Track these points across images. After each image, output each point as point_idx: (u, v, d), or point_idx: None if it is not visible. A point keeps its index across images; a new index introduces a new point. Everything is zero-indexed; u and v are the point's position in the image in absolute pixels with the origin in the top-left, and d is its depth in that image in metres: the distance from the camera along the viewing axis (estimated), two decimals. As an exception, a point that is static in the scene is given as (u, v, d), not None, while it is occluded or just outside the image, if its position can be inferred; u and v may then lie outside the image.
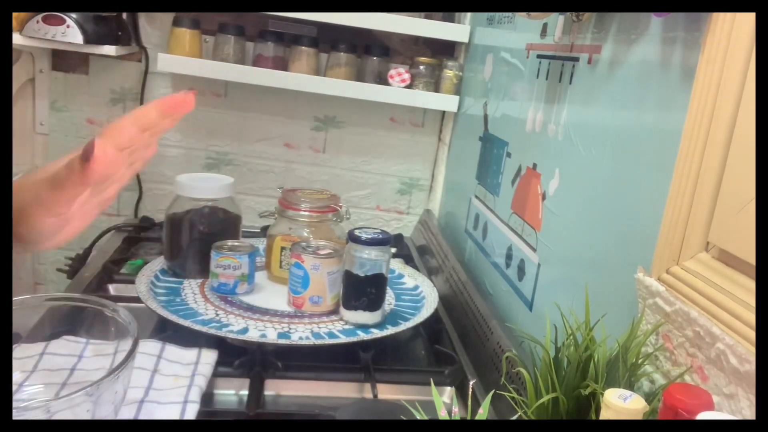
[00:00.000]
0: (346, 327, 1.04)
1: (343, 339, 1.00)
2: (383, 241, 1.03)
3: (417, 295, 1.20)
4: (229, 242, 1.13)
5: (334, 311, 1.08)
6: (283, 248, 1.18)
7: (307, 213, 1.19)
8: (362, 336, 1.01)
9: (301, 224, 1.20)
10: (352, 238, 1.03)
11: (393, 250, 1.44)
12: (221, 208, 1.18)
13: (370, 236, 1.03)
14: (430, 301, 1.15)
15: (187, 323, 0.97)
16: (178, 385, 0.86)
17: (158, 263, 1.19)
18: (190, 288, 1.13)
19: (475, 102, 1.44)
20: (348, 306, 1.05)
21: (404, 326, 1.05)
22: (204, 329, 0.96)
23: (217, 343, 0.97)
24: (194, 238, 1.16)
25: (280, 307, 1.09)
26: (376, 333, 1.02)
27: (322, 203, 1.20)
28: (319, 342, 0.98)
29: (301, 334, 1.00)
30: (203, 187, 1.17)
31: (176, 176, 1.19)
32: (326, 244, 1.11)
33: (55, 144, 1.62)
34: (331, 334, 1.01)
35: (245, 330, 0.99)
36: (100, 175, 0.51)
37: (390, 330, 1.04)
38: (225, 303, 1.08)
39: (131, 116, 0.54)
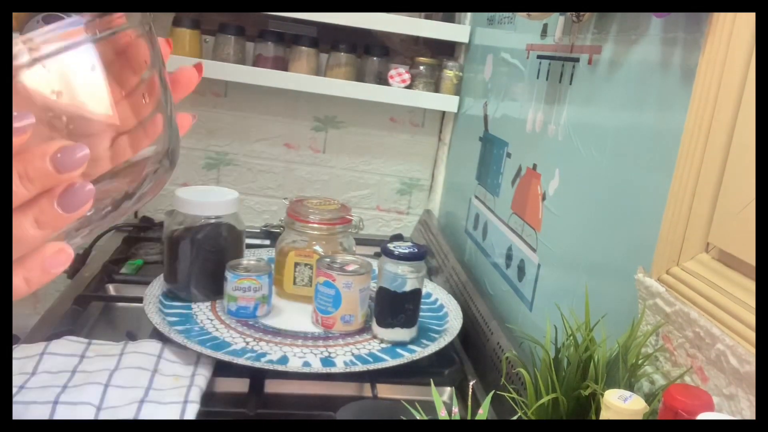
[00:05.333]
0: (384, 346, 1.01)
1: (390, 362, 0.95)
2: (419, 255, 1.00)
3: (433, 303, 1.17)
4: (244, 261, 1.07)
5: (365, 329, 1.06)
6: (297, 264, 1.14)
7: (322, 226, 1.14)
8: (408, 356, 0.97)
9: (314, 237, 1.15)
10: (388, 253, 0.99)
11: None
12: (225, 224, 1.09)
13: (405, 251, 1.00)
14: (452, 309, 1.13)
15: (226, 357, 0.91)
16: (178, 385, 0.86)
17: (157, 285, 1.11)
18: (203, 313, 1.06)
19: (475, 102, 1.44)
20: (384, 324, 1.02)
21: (444, 340, 1.02)
22: (246, 362, 0.91)
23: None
24: (199, 259, 1.08)
25: (307, 329, 1.04)
26: (421, 351, 0.99)
27: (334, 214, 1.16)
28: (372, 367, 0.93)
29: (345, 359, 0.96)
30: (208, 203, 1.08)
31: (175, 190, 1.09)
32: (353, 259, 1.07)
33: (55, 144, 1.61)
34: (374, 356, 0.98)
35: (285, 359, 0.94)
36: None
37: (432, 346, 1.00)
38: (248, 328, 1.02)
39: None
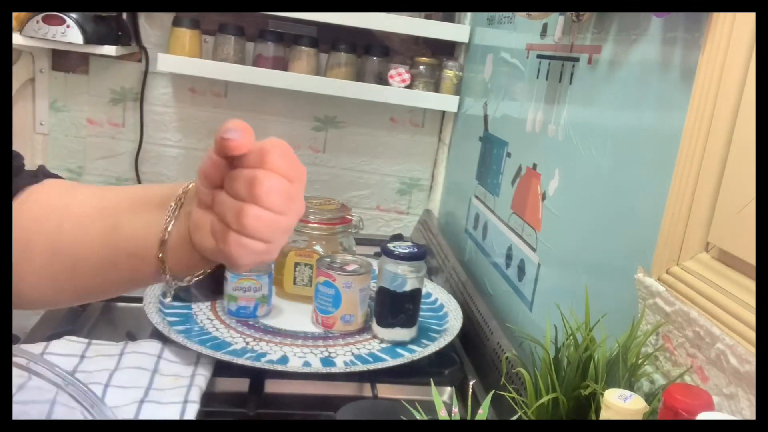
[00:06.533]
0: (384, 346, 1.02)
1: (390, 362, 0.95)
2: (419, 255, 1.00)
3: (433, 303, 1.17)
4: None
5: (365, 329, 1.06)
6: (297, 264, 1.14)
7: (322, 226, 1.14)
8: (408, 356, 0.97)
9: (314, 237, 1.15)
10: (388, 253, 0.99)
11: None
12: None
13: (406, 251, 1.00)
14: (452, 309, 1.13)
15: (226, 357, 0.91)
16: (178, 385, 0.86)
17: (157, 285, 1.08)
18: (203, 313, 1.06)
19: (475, 102, 1.44)
20: (384, 324, 1.02)
21: (444, 340, 1.02)
22: (246, 362, 0.91)
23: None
24: None
25: (307, 328, 1.05)
26: (421, 351, 0.99)
27: (334, 214, 1.16)
28: (372, 367, 0.93)
29: (345, 358, 0.96)
30: None
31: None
32: (353, 259, 1.08)
33: (55, 144, 1.62)
34: (374, 356, 0.98)
35: (285, 359, 0.94)
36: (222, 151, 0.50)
37: (432, 346, 1.00)
38: (248, 328, 1.03)
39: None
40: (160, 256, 0.53)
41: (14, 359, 0.50)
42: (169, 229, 0.52)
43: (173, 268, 0.54)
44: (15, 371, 0.56)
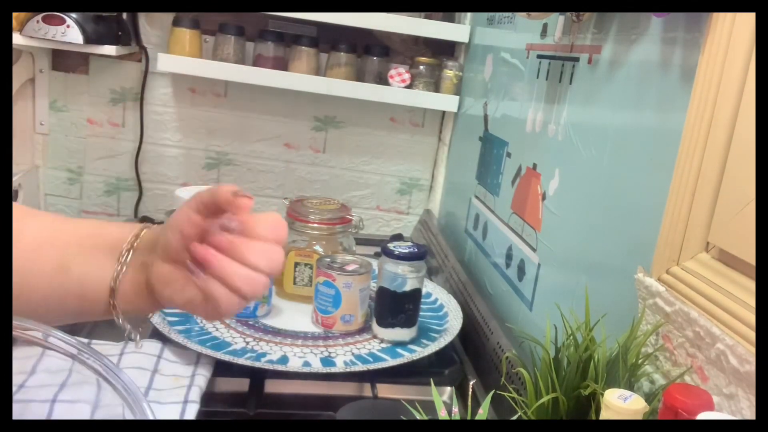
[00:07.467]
0: (384, 345, 1.02)
1: (390, 362, 0.96)
2: (419, 255, 1.00)
3: (433, 303, 1.17)
4: None
5: (365, 329, 1.06)
6: (297, 264, 1.14)
7: (322, 226, 1.15)
8: (408, 356, 0.97)
9: (314, 237, 1.15)
10: (388, 253, 1.00)
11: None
12: None
13: (406, 251, 1.00)
14: (452, 309, 1.13)
15: (226, 357, 0.91)
16: (178, 385, 0.86)
17: None
18: None
19: (475, 102, 1.44)
20: (384, 324, 1.02)
21: (444, 340, 1.02)
22: (246, 362, 0.91)
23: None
24: None
25: (307, 328, 1.05)
26: (421, 351, 0.99)
27: (334, 214, 1.16)
28: (372, 367, 0.93)
29: (345, 358, 0.96)
30: None
31: (175, 191, 1.11)
32: (352, 259, 1.08)
33: (55, 144, 1.62)
34: (374, 356, 0.98)
35: (285, 359, 0.95)
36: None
37: (432, 346, 1.00)
38: (248, 328, 1.02)
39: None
40: (112, 302, 0.53)
41: (30, 333, 0.50)
42: (119, 279, 0.53)
43: (127, 312, 0.54)
44: (27, 351, 0.57)
